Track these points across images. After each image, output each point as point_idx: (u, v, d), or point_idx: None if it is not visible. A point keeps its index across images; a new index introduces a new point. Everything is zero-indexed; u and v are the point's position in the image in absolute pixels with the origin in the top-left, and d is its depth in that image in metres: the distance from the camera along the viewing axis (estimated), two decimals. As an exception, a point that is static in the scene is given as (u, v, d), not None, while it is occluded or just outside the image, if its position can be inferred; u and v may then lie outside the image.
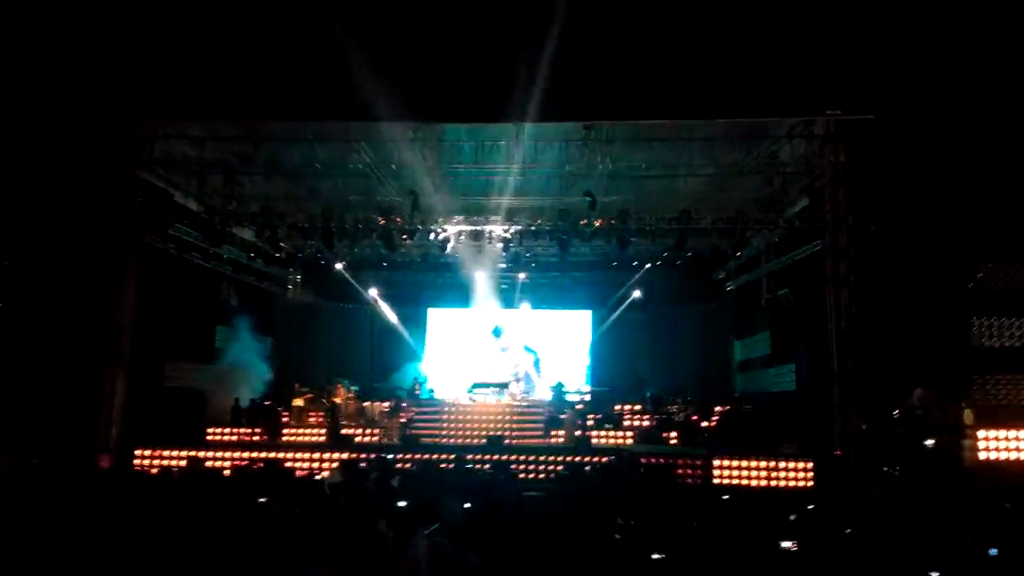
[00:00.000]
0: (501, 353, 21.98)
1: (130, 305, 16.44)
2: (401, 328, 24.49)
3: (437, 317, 24.99)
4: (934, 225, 15.97)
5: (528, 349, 22.65)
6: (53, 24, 15.73)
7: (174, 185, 18.39)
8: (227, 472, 13.20)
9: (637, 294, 23.69)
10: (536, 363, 22.39)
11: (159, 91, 16.09)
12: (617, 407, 20.73)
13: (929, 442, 15.95)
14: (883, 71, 15.73)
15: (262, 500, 8.21)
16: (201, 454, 15.19)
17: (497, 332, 22.69)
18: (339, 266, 22.58)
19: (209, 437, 17.90)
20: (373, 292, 23.31)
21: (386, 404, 20.05)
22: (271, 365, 22.00)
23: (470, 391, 19.23)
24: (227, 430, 18.25)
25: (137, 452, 15.23)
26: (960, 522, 7.18)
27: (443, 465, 13.06)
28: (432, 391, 21.33)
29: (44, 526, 6.96)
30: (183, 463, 14.46)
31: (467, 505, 8.21)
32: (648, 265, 22.63)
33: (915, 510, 8.42)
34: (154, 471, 14.42)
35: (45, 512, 7.65)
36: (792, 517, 8.30)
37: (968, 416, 15.32)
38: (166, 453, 15.18)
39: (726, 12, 16.40)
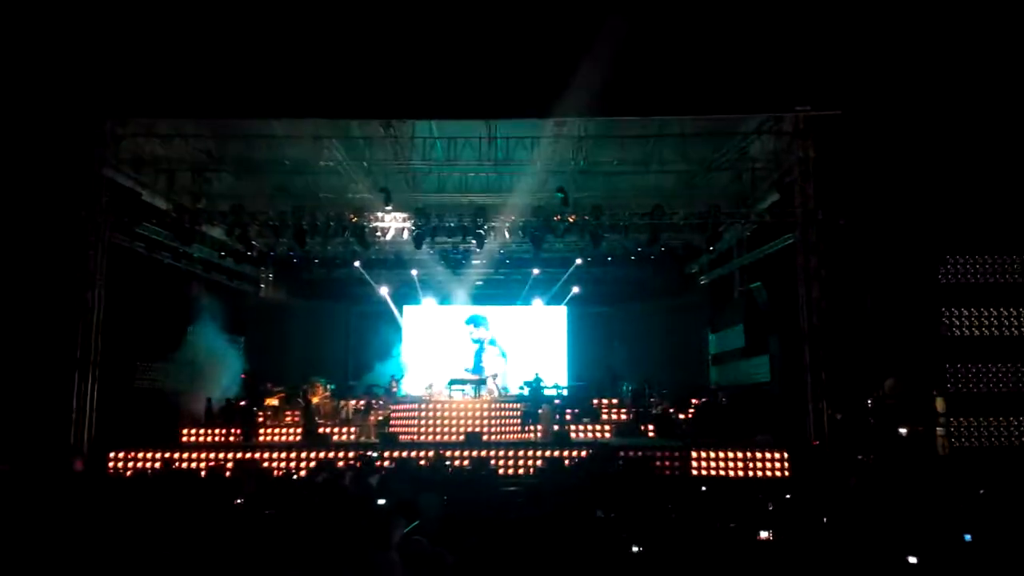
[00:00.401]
0: (473, 344, 21.98)
1: (99, 306, 16.19)
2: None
3: (412, 315, 24.86)
4: (902, 218, 16.21)
5: (492, 343, 22.73)
6: (15, 22, 15.42)
7: (142, 184, 18.12)
8: (203, 473, 13.03)
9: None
10: (503, 357, 22.50)
11: (123, 89, 15.83)
12: (594, 401, 20.81)
13: (903, 430, 16.22)
14: (850, 67, 15.90)
15: (238, 502, 8.13)
16: (175, 455, 14.97)
17: (475, 321, 22.73)
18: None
19: (184, 438, 17.69)
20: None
21: (361, 402, 19.96)
22: (244, 364, 21.78)
23: (448, 387, 19.17)
24: (202, 431, 18.05)
25: (111, 455, 14.97)
26: (935, 508, 7.30)
27: (421, 462, 13.02)
28: (402, 391, 21.20)
29: (17, 531, 6.84)
30: (158, 464, 14.27)
31: (446, 502, 8.20)
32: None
33: (890, 497, 8.53)
34: (128, 473, 14.24)
35: (18, 517, 7.51)
36: (770, 507, 8.38)
37: (940, 404, 15.60)
38: (140, 455, 14.95)
39: (695, 10, 16.49)
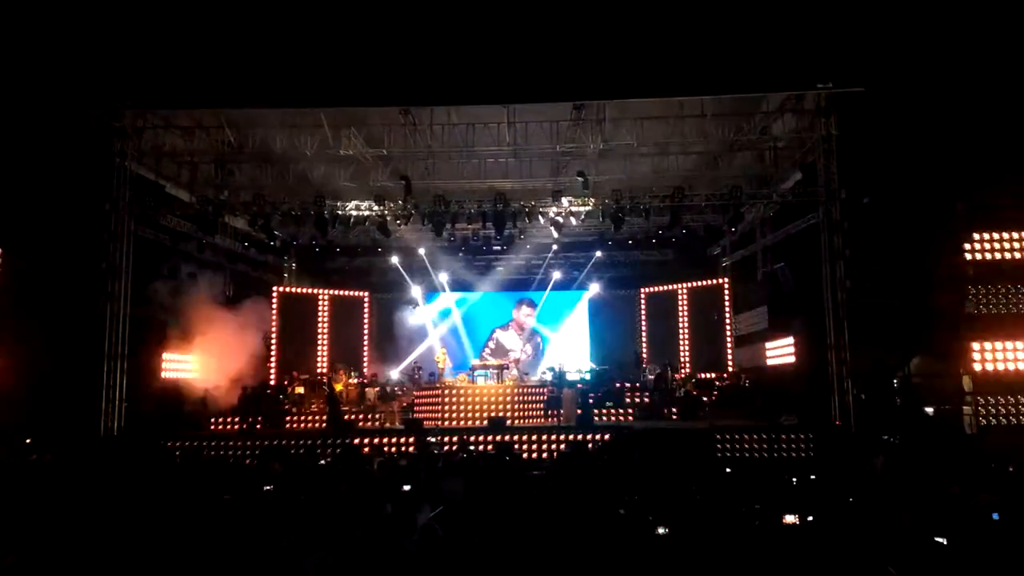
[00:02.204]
0: (508, 331, 22.06)
1: (125, 297, 16.39)
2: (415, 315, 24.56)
3: (434, 302, 24.93)
4: (927, 195, 15.99)
5: (535, 331, 22.87)
6: (31, 19, 15.59)
7: (165, 177, 18.31)
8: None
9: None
10: (544, 344, 22.60)
11: (142, 81, 15.98)
12: (617, 384, 20.79)
13: (929, 410, 16.06)
14: (872, 43, 15.70)
15: (267, 488, 8.23)
16: (204, 444, 15.17)
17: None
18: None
19: (211, 427, 17.89)
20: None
21: (386, 389, 20.11)
22: (270, 353, 21.99)
23: (471, 374, 19.25)
24: (229, 419, 18.24)
25: (139, 443, 15.18)
26: (964, 488, 7.23)
27: (445, 448, 13.11)
28: (434, 375, 21.35)
29: (48, 517, 6.98)
30: (187, 452, 14.47)
31: (470, 486, 8.24)
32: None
33: (918, 477, 8.47)
34: (160, 461, 14.44)
35: (49, 503, 7.67)
36: (793, 480, 8.35)
37: (967, 383, 15.42)
38: (169, 444, 15.14)
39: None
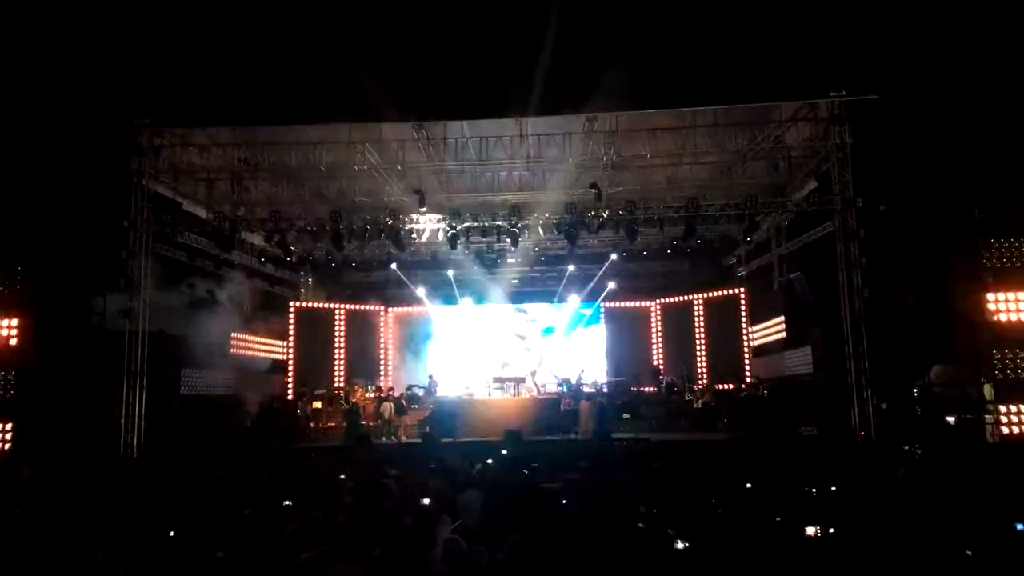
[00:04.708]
0: (519, 340, 21.94)
1: (144, 314, 16.53)
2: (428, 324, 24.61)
3: (449, 315, 24.96)
4: (944, 202, 15.87)
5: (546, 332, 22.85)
6: (50, 41, 15.82)
7: (182, 194, 18.51)
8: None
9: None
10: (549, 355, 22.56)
11: (158, 100, 16.15)
12: (634, 396, 20.73)
13: (950, 419, 15.88)
14: (885, 50, 15.61)
15: (286, 503, 8.26)
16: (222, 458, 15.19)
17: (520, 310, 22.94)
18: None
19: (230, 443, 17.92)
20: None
21: (402, 402, 20.15)
22: (286, 368, 22.15)
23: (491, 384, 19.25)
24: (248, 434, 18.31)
25: (159, 460, 15.25)
26: (988, 498, 7.15)
27: (463, 461, 13.06)
28: (434, 388, 21.38)
29: (66, 529, 7.04)
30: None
31: (487, 499, 8.23)
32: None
33: (940, 488, 8.38)
34: (179, 478, 14.51)
35: (68, 516, 7.74)
36: (813, 491, 8.28)
37: (989, 391, 15.25)
38: (190, 460, 15.19)
39: (726, -3, 16.33)
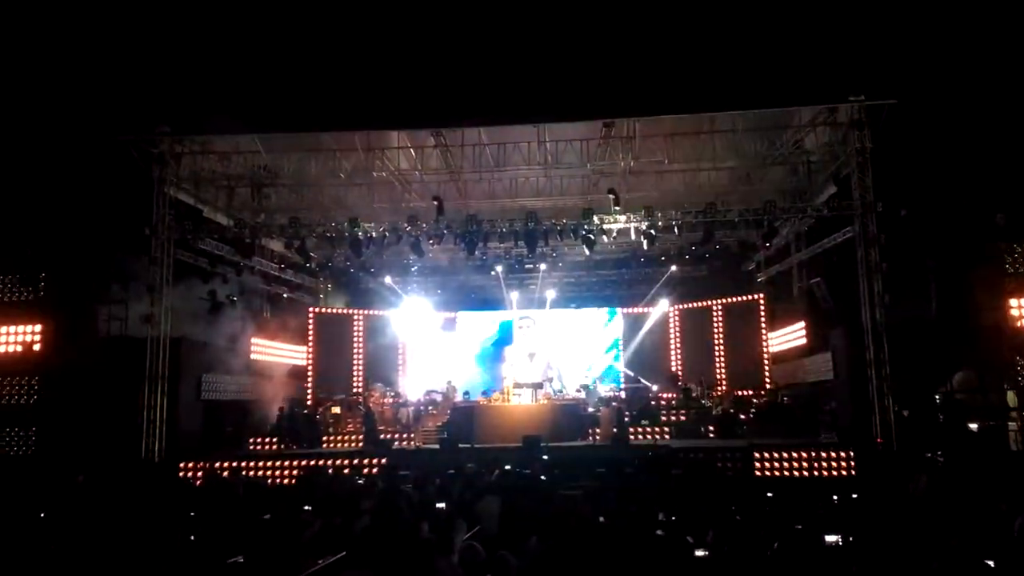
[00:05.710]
0: (529, 357, 21.81)
1: (165, 320, 16.69)
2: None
3: (467, 320, 25.01)
4: (965, 207, 15.73)
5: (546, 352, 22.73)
6: (74, 49, 16.06)
7: (203, 201, 18.69)
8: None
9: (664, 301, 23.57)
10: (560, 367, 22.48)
11: (180, 109, 16.37)
12: (653, 402, 20.63)
13: (973, 426, 15.70)
14: (904, 54, 15.53)
15: (306, 508, 8.31)
16: (243, 464, 15.33)
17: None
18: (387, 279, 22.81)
19: (250, 447, 18.08)
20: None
21: (421, 407, 20.22)
22: (306, 374, 22.30)
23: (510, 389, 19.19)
24: (268, 439, 18.43)
25: (180, 464, 15.40)
26: (1010, 506, 7.07)
27: (481, 467, 13.06)
28: (468, 392, 21.39)
29: (91, 536, 7.11)
30: (226, 474, 14.63)
31: (506, 505, 8.24)
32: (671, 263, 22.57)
33: (963, 496, 8.29)
34: (198, 483, 14.64)
35: (94, 523, 7.81)
36: (835, 499, 8.21)
37: (1012, 398, 15.08)
38: (208, 465, 15.32)
39: (745, 1, 16.31)
